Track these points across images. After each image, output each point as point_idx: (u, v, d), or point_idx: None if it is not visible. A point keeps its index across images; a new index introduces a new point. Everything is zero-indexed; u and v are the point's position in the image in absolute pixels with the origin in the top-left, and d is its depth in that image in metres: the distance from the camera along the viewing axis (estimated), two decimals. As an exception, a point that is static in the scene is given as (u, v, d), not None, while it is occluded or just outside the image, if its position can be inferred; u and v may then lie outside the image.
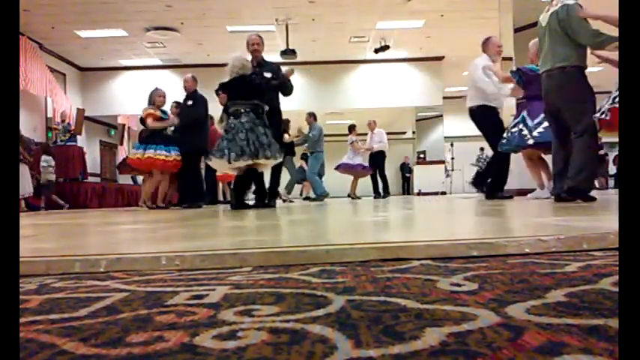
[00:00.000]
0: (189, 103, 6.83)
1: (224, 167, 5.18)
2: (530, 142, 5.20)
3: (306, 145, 9.49)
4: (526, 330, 0.54)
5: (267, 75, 5.33)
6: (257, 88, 5.09)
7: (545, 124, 4.86)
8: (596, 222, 1.57)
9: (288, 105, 10.36)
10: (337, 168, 10.16)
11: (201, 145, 6.86)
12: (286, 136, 9.48)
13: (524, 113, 5.32)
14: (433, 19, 11.01)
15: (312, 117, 9.52)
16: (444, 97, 14.46)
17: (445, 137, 14.44)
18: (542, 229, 1.55)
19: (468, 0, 10.06)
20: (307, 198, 10.32)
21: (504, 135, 5.59)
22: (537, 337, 0.51)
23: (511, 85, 5.60)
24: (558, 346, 0.48)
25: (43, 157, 8.82)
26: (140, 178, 9.76)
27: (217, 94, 5.28)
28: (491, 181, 5.96)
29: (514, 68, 5.59)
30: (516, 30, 7.86)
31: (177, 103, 7.29)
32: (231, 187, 6.09)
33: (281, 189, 7.73)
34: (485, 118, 5.87)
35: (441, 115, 14.43)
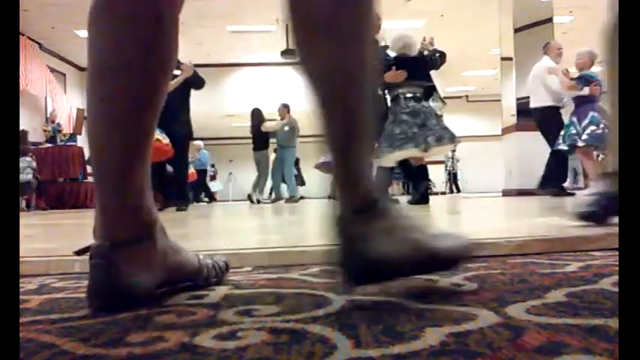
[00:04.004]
0: (176, 72, 5.60)
1: (391, 161, 4.73)
2: (580, 144, 5.60)
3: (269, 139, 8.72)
4: (526, 330, 0.54)
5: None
6: (429, 70, 4.79)
7: (593, 127, 5.45)
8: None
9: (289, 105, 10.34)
10: (319, 167, 9.61)
11: (190, 125, 5.82)
12: (268, 124, 8.93)
13: (574, 117, 5.71)
14: (433, 19, 11.01)
15: (286, 109, 8.82)
16: (444, 97, 14.45)
17: (445, 137, 14.44)
18: (543, 229, 1.55)
19: (468, 0, 10.05)
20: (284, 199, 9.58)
21: (560, 134, 5.97)
22: (537, 337, 0.51)
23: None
24: (558, 346, 0.48)
25: (21, 159, 8.68)
26: None
27: (384, 70, 4.66)
28: (542, 176, 6.25)
29: (578, 74, 5.88)
30: (516, 30, 7.84)
31: None
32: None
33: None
34: (547, 118, 6.23)
35: (441, 115, 14.41)
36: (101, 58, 0.74)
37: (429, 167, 5.35)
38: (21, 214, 6.21)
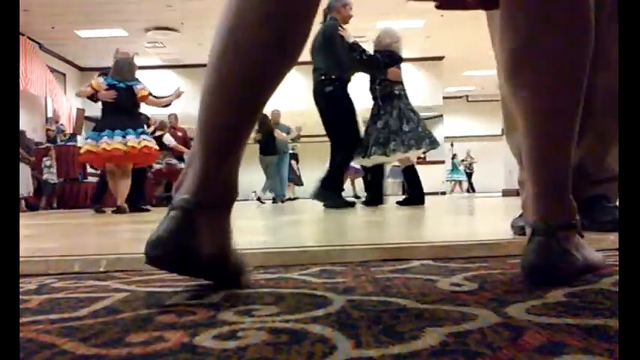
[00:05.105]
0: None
1: (393, 160, 4.68)
2: None
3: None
4: (526, 330, 0.54)
5: None
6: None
7: None
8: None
9: (288, 105, 10.36)
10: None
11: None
12: (283, 134, 9.24)
13: None
14: (433, 19, 11.01)
15: (278, 113, 9.16)
16: (444, 97, 14.45)
17: (445, 137, 14.45)
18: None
19: (468, 0, 10.06)
20: (295, 198, 10.18)
21: None
22: (537, 337, 0.51)
23: None
24: (558, 346, 0.48)
25: (44, 158, 8.83)
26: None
27: (384, 67, 4.73)
28: None
29: None
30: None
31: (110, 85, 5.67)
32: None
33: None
34: None
35: (441, 115, 14.41)
36: (225, 35, 0.83)
37: (429, 167, 5.35)
38: (21, 214, 6.21)
